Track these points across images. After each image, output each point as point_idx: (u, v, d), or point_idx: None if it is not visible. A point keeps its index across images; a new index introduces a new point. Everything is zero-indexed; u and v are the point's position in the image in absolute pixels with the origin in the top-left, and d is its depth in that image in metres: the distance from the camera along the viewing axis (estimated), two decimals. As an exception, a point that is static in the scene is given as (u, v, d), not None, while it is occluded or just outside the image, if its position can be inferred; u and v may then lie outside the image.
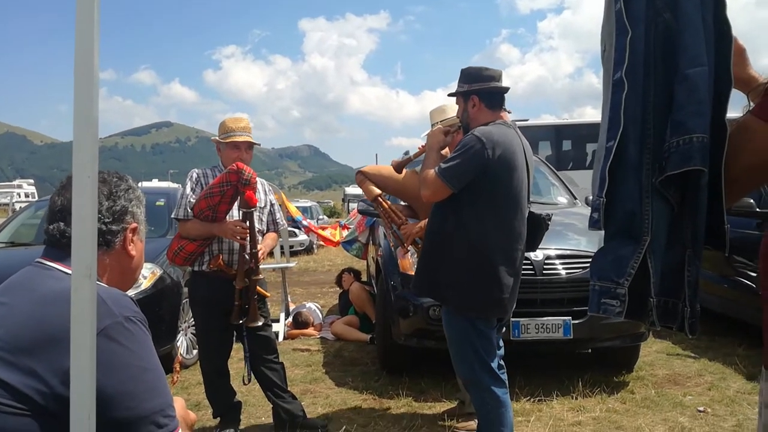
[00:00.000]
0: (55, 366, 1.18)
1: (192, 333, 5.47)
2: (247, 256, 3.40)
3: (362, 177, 3.67)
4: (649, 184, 1.27)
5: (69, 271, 1.25)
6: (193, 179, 3.56)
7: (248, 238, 3.40)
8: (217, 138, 3.63)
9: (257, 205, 3.46)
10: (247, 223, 3.39)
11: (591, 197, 4.84)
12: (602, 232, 1.40)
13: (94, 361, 1.13)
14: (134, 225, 1.50)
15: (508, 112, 3.15)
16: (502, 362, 3.19)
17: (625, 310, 1.26)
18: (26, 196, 28.38)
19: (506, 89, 3.11)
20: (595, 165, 1.35)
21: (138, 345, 1.28)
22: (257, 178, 3.49)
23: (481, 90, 3.03)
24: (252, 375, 3.64)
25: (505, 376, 3.12)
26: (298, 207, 9.81)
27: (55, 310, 1.23)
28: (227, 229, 3.38)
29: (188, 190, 3.51)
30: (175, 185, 11.95)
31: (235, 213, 3.50)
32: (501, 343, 3.24)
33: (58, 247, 1.41)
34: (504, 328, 3.24)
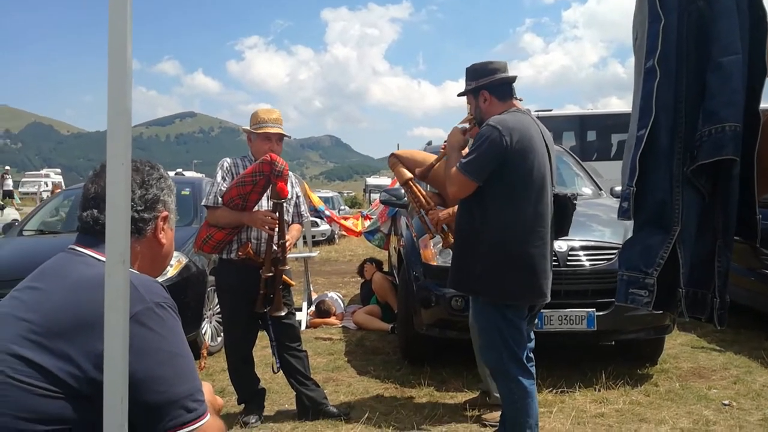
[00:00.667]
0: (89, 350, 1.20)
1: (217, 321, 5.54)
2: (275, 246, 3.44)
3: (395, 160, 3.67)
4: (680, 174, 1.25)
5: (102, 258, 1.28)
6: (224, 168, 3.59)
7: (277, 228, 3.43)
8: (248, 128, 3.66)
9: (287, 197, 3.49)
10: (277, 213, 3.42)
11: (616, 188, 4.79)
12: (628, 224, 1.38)
13: (127, 346, 1.15)
14: (165, 213, 1.52)
15: (520, 100, 3.17)
16: (531, 355, 3.20)
17: (653, 301, 1.25)
18: (53, 185, 28.86)
19: (513, 78, 3.13)
20: (625, 154, 1.34)
21: (168, 330, 1.29)
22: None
23: (489, 84, 3.06)
24: (279, 363, 3.69)
25: (533, 369, 3.13)
26: (320, 197, 9.85)
27: (88, 296, 1.25)
28: (257, 219, 3.42)
29: (219, 178, 3.55)
30: (199, 175, 12.06)
31: (264, 203, 3.53)
32: (532, 335, 3.24)
33: (91, 234, 1.43)
34: (536, 320, 3.23)
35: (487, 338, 3.06)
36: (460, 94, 3.25)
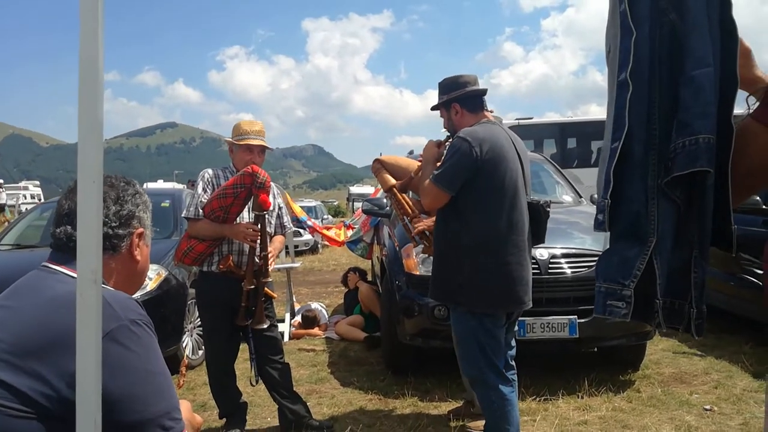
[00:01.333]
0: (62, 369, 1.18)
1: (198, 334, 5.49)
2: (257, 259, 3.41)
3: (379, 165, 3.66)
4: (655, 185, 1.26)
5: (75, 275, 1.26)
6: (205, 179, 3.56)
7: (259, 240, 3.40)
8: (230, 139, 3.64)
9: (270, 208, 3.47)
10: (259, 225, 3.40)
11: (597, 196, 4.83)
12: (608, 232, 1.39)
13: (100, 365, 1.13)
14: (141, 230, 1.51)
15: (490, 111, 3.26)
16: (512, 363, 3.22)
17: (630, 312, 1.26)
18: (32, 197, 28.48)
19: (484, 91, 3.21)
20: (600, 166, 1.35)
21: (144, 348, 1.28)
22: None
23: (460, 96, 3.15)
24: (258, 376, 3.65)
25: (514, 376, 3.15)
26: (302, 207, 9.82)
27: (61, 314, 1.23)
28: (239, 232, 3.39)
29: (200, 189, 3.52)
30: (180, 186, 11.97)
31: (246, 215, 3.51)
32: (513, 343, 3.27)
33: (65, 250, 1.41)
34: (517, 327, 3.26)
35: (465, 347, 3.09)
36: (433, 108, 3.33)
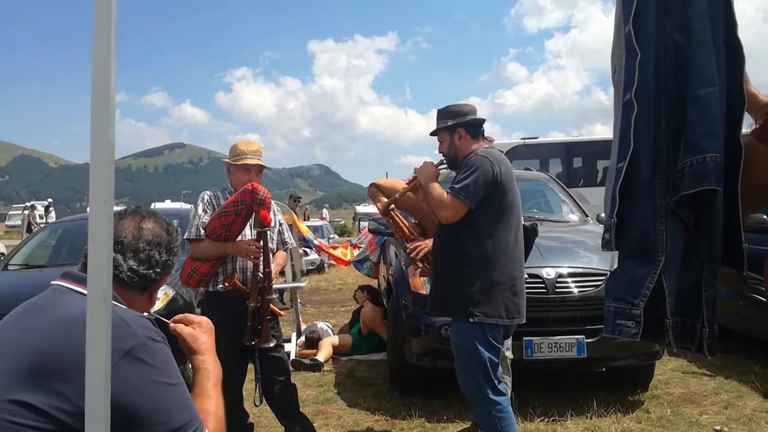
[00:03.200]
0: (82, 388, 1.20)
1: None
2: (260, 275, 3.41)
3: (375, 189, 3.74)
4: (663, 204, 1.27)
5: (86, 292, 1.29)
6: (205, 200, 3.58)
7: (262, 257, 3.41)
8: (228, 160, 3.66)
9: (270, 225, 3.48)
10: (261, 242, 3.41)
11: (602, 214, 4.83)
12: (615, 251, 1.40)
13: (109, 383, 1.15)
14: (167, 277, 1.58)
15: (490, 141, 3.48)
16: (503, 378, 3.34)
17: (640, 331, 1.26)
18: (40, 218, 28.61)
19: (483, 120, 3.40)
20: (606, 185, 1.36)
21: (162, 362, 1.33)
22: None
23: (465, 122, 3.32)
24: (263, 397, 3.62)
25: (504, 389, 3.23)
26: (309, 226, 9.84)
27: (79, 332, 1.25)
28: (241, 249, 3.39)
29: (200, 210, 3.53)
30: (188, 206, 12.01)
31: (248, 233, 3.52)
32: (509, 353, 3.40)
33: (78, 270, 1.46)
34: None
35: (465, 359, 3.15)
36: (432, 133, 3.46)
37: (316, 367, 5.81)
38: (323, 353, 6.06)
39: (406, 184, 3.57)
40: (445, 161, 3.42)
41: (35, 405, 1.21)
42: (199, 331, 1.62)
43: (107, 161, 1.18)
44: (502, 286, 3.11)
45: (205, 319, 1.65)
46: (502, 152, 3.54)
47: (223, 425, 1.46)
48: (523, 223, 3.33)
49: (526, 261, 3.39)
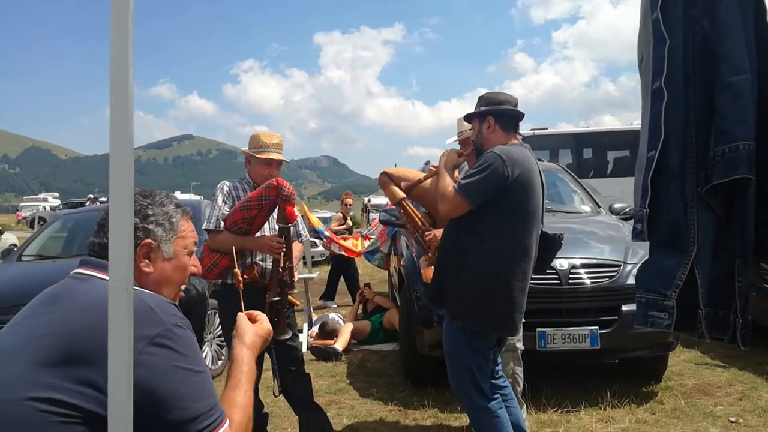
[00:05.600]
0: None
1: (217, 344, 5.50)
2: (281, 270, 3.38)
3: (386, 178, 3.56)
4: (694, 194, 1.24)
5: (107, 278, 1.29)
6: (225, 191, 3.55)
7: (284, 252, 3.39)
8: (248, 150, 3.64)
9: (296, 221, 3.46)
10: (283, 238, 3.38)
11: (615, 204, 4.80)
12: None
13: (131, 374, 1.14)
14: (147, 241, 1.48)
15: (521, 137, 3.19)
16: (501, 372, 3.19)
17: (673, 323, 1.23)
18: (51, 209, 28.77)
19: (521, 115, 3.13)
20: (636, 175, 1.33)
21: (188, 349, 1.32)
22: None
23: (497, 111, 3.06)
24: (280, 387, 3.63)
25: (506, 383, 3.16)
26: (319, 218, 9.84)
27: (103, 317, 1.25)
28: (264, 244, 3.37)
29: (220, 201, 3.50)
30: (198, 197, 12.05)
31: (266, 227, 3.50)
32: (499, 360, 3.22)
33: (96, 257, 1.45)
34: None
35: (452, 363, 3.02)
36: (466, 116, 3.24)
37: (336, 355, 5.82)
38: (341, 341, 6.07)
39: (429, 169, 3.44)
40: (473, 149, 3.19)
41: (63, 392, 1.20)
42: (257, 328, 1.64)
43: (127, 150, 1.17)
44: (495, 295, 2.89)
45: (266, 326, 1.67)
46: None
47: (250, 420, 1.45)
48: (544, 231, 3.08)
49: (543, 271, 3.18)
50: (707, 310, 1.23)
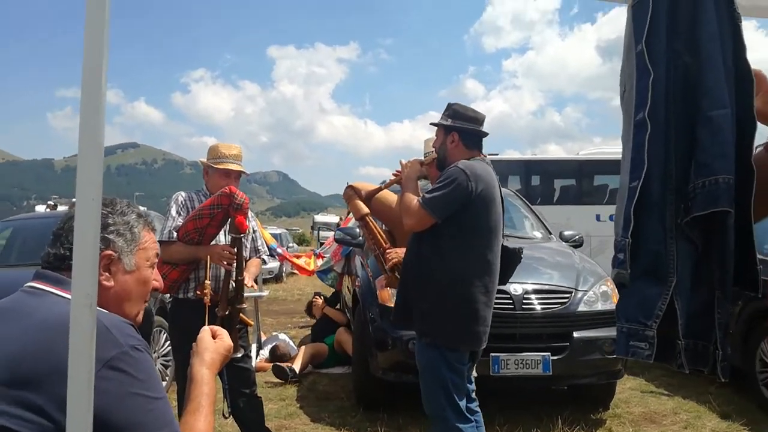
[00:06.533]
0: (61, 398, 1.10)
1: (162, 363, 5.29)
2: (232, 283, 3.28)
3: (351, 192, 3.47)
4: (673, 225, 1.26)
5: (66, 295, 1.20)
6: (179, 202, 3.45)
7: (235, 264, 3.29)
8: (205, 161, 3.54)
9: (246, 231, 3.36)
10: (235, 249, 3.27)
11: (565, 232, 4.83)
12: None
13: (92, 393, 1.06)
14: (107, 253, 1.38)
15: (485, 155, 3.21)
16: (474, 396, 3.15)
17: (654, 353, 1.23)
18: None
19: (485, 134, 3.19)
20: (617, 204, 1.34)
21: (145, 374, 1.23)
22: None
23: (462, 128, 3.10)
24: (230, 408, 3.50)
25: (477, 408, 3.12)
26: (271, 234, 9.70)
27: (56, 338, 1.15)
28: (214, 253, 3.26)
29: (173, 212, 3.40)
30: (142, 208, 11.68)
31: (222, 238, 3.40)
32: (471, 378, 3.20)
33: (51, 270, 1.35)
34: (490, 363, 3.18)
35: (427, 381, 2.98)
36: (432, 124, 3.25)
37: (293, 374, 5.70)
38: (299, 364, 5.92)
39: (391, 177, 3.37)
40: (434, 160, 3.19)
41: (5, 418, 1.11)
42: (217, 345, 1.55)
43: (96, 156, 1.10)
44: (459, 309, 2.90)
45: (227, 342, 1.59)
46: None
47: None
48: (506, 245, 3.11)
49: (504, 284, 3.19)
50: (686, 342, 1.24)
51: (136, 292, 1.47)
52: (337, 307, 7.32)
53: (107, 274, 1.40)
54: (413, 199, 2.96)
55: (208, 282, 3.20)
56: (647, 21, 1.30)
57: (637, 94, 1.28)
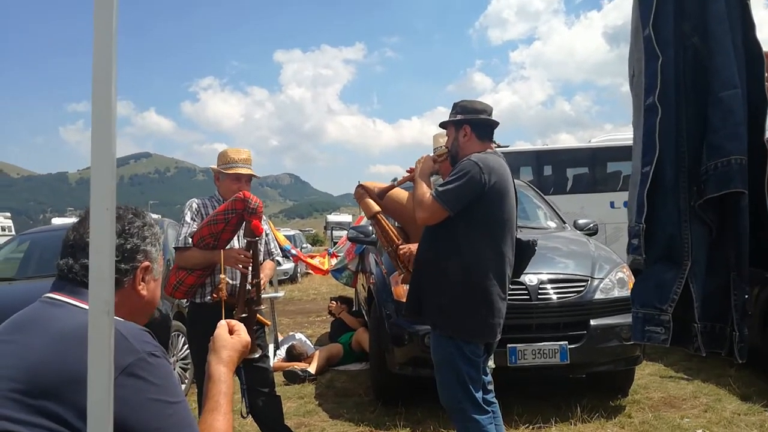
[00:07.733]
0: (80, 407, 1.12)
1: (180, 367, 5.34)
2: (249, 286, 3.31)
3: (362, 191, 3.48)
4: (687, 208, 1.25)
5: (84, 306, 1.22)
6: (193, 209, 3.48)
7: (251, 267, 3.31)
8: (216, 167, 3.57)
9: (262, 234, 3.38)
10: (251, 252, 3.30)
11: (580, 220, 4.81)
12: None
13: (112, 400, 1.08)
14: (146, 264, 1.44)
15: (498, 146, 3.22)
16: (491, 387, 3.15)
17: (670, 337, 1.23)
18: (2, 229, 27.79)
19: (496, 123, 3.18)
20: (630, 190, 1.33)
21: (163, 379, 1.24)
22: None
23: (473, 120, 3.09)
24: (249, 408, 3.53)
25: (494, 399, 3.13)
26: (285, 236, 9.74)
27: (74, 348, 1.17)
28: (230, 257, 3.28)
29: (188, 218, 3.43)
30: (156, 216, 11.79)
31: (235, 242, 3.43)
32: (488, 370, 3.20)
33: (69, 281, 1.36)
34: (490, 357, 3.20)
35: (443, 374, 2.99)
36: (441, 124, 3.24)
37: (309, 375, 5.74)
38: (314, 367, 5.95)
39: (404, 174, 3.39)
40: (447, 156, 3.18)
41: (27, 427, 1.12)
42: (234, 342, 1.55)
43: (109, 166, 1.11)
44: (474, 301, 2.90)
45: (245, 338, 1.58)
46: None
47: None
48: (519, 237, 3.09)
49: (518, 277, 3.18)
50: (703, 324, 1.23)
51: (158, 297, 1.53)
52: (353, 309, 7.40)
53: (143, 283, 1.44)
54: (426, 192, 2.95)
55: (222, 276, 3.24)
56: (653, 4, 1.29)
57: (646, 79, 1.28)
